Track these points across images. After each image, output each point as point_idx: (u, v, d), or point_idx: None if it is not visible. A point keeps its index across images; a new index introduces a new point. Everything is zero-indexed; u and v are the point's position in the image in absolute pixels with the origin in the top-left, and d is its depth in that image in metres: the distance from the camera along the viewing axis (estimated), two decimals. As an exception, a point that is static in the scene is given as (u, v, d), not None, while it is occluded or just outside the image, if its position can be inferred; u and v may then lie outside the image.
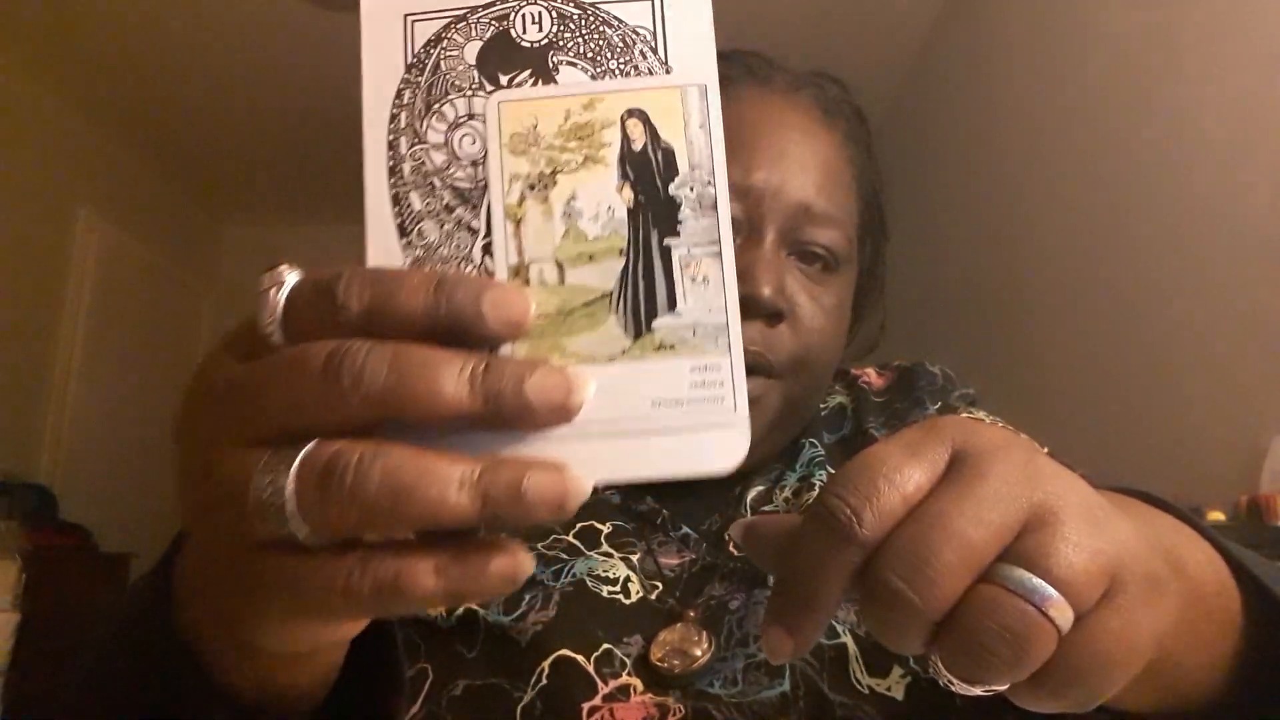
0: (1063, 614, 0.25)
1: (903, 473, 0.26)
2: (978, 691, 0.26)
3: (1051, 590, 0.25)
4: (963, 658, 0.25)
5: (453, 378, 0.24)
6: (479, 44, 0.29)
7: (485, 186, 0.28)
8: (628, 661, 0.48)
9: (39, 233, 3.17)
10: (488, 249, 0.28)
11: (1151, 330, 1.71)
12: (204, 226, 4.23)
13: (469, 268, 0.28)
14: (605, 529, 0.54)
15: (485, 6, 0.29)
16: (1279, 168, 1.40)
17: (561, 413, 0.25)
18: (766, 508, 0.56)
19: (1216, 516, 1.31)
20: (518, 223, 0.28)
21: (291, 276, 0.26)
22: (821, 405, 0.63)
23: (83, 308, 3.38)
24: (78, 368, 3.35)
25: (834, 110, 0.61)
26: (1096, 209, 1.92)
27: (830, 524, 0.26)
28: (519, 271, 0.27)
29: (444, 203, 0.28)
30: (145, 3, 2.73)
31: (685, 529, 0.55)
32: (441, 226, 0.28)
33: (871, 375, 0.65)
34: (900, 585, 0.25)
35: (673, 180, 0.28)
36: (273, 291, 0.25)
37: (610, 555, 0.53)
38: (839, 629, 0.49)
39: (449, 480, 0.23)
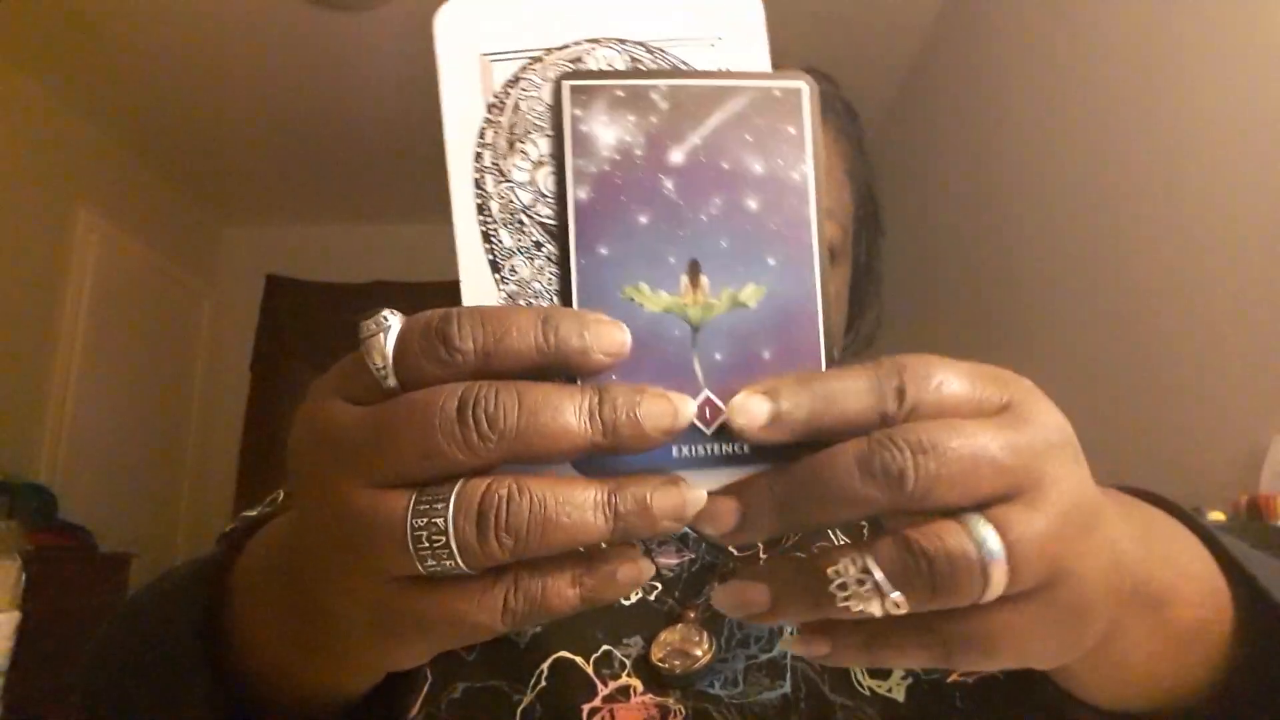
0: (996, 581, 0.25)
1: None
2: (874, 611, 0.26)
3: (1004, 557, 0.25)
4: (896, 564, 0.26)
5: (574, 412, 0.25)
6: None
7: None
8: (627, 662, 0.48)
9: (38, 233, 3.17)
10: None
11: (1151, 329, 1.71)
12: (204, 226, 4.22)
13: (560, 303, 0.29)
14: None
15: (560, 48, 0.30)
16: (1279, 167, 1.40)
17: (670, 435, 0.26)
18: None
19: (1216, 516, 1.30)
20: None
21: (394, 320, 0.27)
22: None
23: (83, 308, 3.38)
24: (78, 368, 3.34)
25: (824, 106, 0.61)
26: (1095, 207, 1.92)
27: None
28: None
29: (533, 239, 0.29)
30: (145, 3, 2.73)
31: (684, 528, 0.55)
32: (532, 262, 0.29)
33: None
34: (905, 461, 0.25)
35: None
36: (380, 337, 0.26)
37: None
38: None
39: (586, 505, 0.25)
